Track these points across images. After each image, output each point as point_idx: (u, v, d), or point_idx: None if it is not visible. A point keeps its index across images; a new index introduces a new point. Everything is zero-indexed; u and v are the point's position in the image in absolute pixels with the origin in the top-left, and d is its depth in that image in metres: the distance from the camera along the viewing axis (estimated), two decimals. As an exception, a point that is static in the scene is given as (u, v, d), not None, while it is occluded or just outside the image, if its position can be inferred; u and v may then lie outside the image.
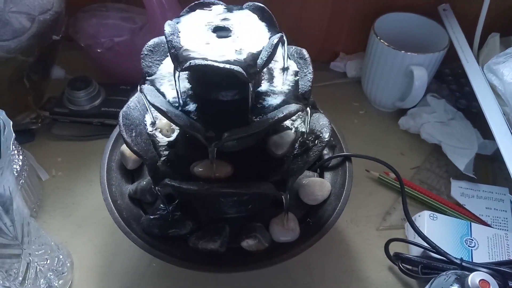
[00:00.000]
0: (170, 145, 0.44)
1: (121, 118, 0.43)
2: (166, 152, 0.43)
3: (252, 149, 0.43)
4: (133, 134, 0.43)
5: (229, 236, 0.45)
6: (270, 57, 0.35)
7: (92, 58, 0.71)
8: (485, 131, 0.64)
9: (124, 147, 0.51)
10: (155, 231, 0.45)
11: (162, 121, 0.45)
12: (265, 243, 0.44)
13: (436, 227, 0.52)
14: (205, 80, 0.39)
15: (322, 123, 0.45)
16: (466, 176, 0.62)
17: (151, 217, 0.46)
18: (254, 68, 0.35)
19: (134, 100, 0.46)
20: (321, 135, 0.43)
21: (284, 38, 0.38)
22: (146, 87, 0.39)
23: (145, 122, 0.45)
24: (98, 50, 0.68)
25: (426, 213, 0.54)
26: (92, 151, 0.64)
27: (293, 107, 0.38)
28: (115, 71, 0.71)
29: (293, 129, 0.46)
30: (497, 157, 0.65)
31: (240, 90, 0.38)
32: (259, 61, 0.35)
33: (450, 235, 0.51)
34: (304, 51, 0.43)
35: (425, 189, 0.60)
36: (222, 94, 0.39)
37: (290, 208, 0.47)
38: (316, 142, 0.43)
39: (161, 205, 0.47)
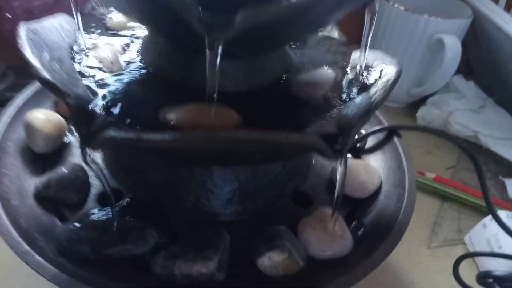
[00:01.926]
0: (116, 81, 0.24)
1: (24, 29, 0.23)
2: (108, 91, 0.23)
3: (268, 92, 0.25)
4: (47, 57, 0.22)
5: (230, 250, 0.24)
6: None
7: (-2, 29, 0.50)
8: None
9: (31, 116, 0.30)
10: (85, 251, 0.23)
11: (103, 48, 0.25)
12: (300, 261, 0.24)
13: (523, 233, 0.35)
14: None
15: (376, 55, 0.28)
16: (516, 174, 0.47)
17: (78, 225, 0.24)
18: None
19: (53, 22, 0.26)
20: (383, 66, 0.26)
21: None
22: None
23: (73, 49, 0.25)
24: (9, 16, 0.48)
25: (503, 213, 0.37)
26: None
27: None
28: (31, 45, 0.50)
29: (328, 69, 0.28)
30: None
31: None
32: None
33: (549, 243, 0.34)
34: None
35: (478, 191, 0.44)
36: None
37: (321, 202, 0.28)
38: (378, 74, 0.25)
39: (97, 207, 0.26)
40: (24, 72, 0.46)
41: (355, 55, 0.29)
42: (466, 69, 0.66)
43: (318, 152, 0.21)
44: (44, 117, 0.30)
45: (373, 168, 0.31)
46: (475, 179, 0.48)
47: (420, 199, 0.44)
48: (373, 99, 0.23)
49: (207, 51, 0.18)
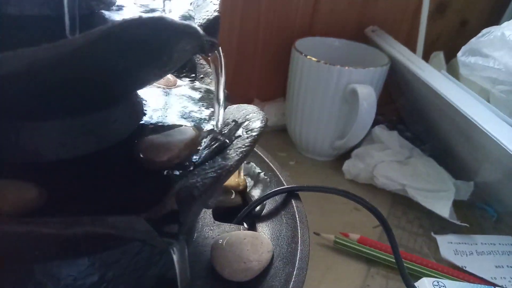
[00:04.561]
0: None
1: None
2: None
3: (96, 160, 0.20)
4: None
5: None
6: None
7: None
8: (455, 170, 0.49)
9: None
10: None
11: None
12: None
13: (451, 303, 0.30)
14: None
15: (244, 110, 0.24)
16: (449, 229, 0.44)
17: None
18: None
19: None
20: (246, 122, 0.22)
21: None
22: None
23: None
24: None
25: (427, 282, 0.32)
26: None
27: (180, 20, 0.16)
28: None
29: (191, 127, 0.23)
30: (474, 203, 0.48)
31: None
32: None
33: (478, 312, 0.30)
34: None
35: (407, 252, 0.40)
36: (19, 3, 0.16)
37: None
38: (238, 133, 0.21)
39: None
40: None
41: (230, 109, 0.25)
42: (397, 119, 0.65)
43: (139, 240, 0.16)
44: None
45: (264, 240, 0.26)
46: (405, 237, 0.44)
47: (344, 265, 0.39)
48: (227, 163, 0.19)
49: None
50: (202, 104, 0.26)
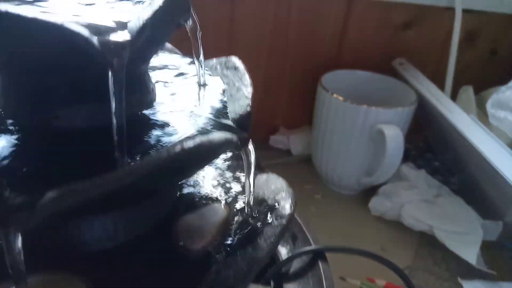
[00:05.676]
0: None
1: None
2: None
3: (143, 243, 0.21)
4: None
5: None
6: (154, 17, 0.16)
7: None
8: (483, 208, 0.48)
9: None
10: None
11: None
12: None
13: None
14: (27, 67, 0.18)
15: (275, 187, 0.25)
16: (476, 273, 0.43)
17: None
18: (122, 36, 0.15)
19: None
20: (276, 205, 0.23)
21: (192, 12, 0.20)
22: None
23: None
24: None
25: None
26: None
27: (215, 135, 0.17)
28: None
29: (223, 204, 0.24)
30: (502, 243, 0.48)
31: (102, 104, 0.18)
32: (132, 25, 0.15)
33: None
34: (235, 59, 0.24)
35: (432, 299, 0.40)
36: (64, 115, 0.18)
37: None
38: (268, 218, 0.22)
39: None
40: None
41: (259, 183, 0.26)
42: (425, 146, 0.64)
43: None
44: None
45: (292, 305, 0.27)
46: (432, 281, 0.44)
47: (369, 313, 0.39)
48: (257, 255, 0.20)
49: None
50: (234, 178, 0.27)
